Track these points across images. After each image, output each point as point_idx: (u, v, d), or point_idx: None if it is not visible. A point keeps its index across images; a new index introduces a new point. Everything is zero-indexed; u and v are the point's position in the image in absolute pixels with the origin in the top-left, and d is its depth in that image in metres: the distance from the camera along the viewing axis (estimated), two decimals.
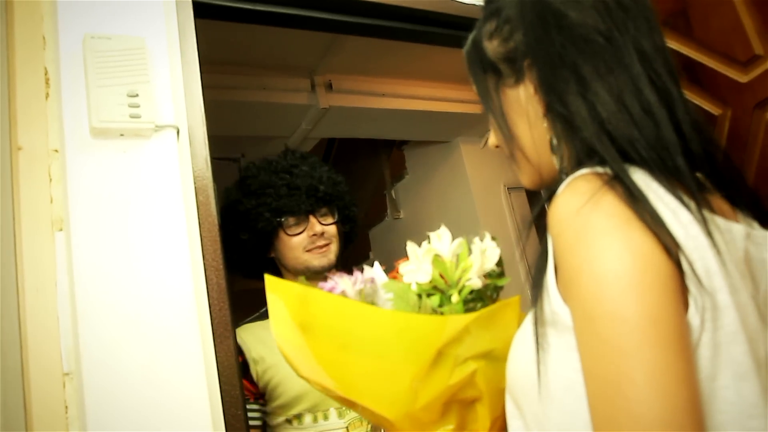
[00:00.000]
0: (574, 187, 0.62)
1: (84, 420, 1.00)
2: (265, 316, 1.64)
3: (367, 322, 0.81)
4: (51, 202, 1.10)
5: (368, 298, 0.86)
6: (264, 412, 1.55)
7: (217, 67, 2.35)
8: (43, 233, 1.09)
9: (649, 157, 0.64)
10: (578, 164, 0.66)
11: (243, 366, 1.49)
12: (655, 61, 0.69)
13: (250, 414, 1.47)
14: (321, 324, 0.84)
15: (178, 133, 1.15)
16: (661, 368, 0.52)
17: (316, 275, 1.54)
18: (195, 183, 1.18)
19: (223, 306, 1.15)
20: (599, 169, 0.63)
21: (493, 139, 0.83)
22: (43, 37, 1.18)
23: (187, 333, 1.09)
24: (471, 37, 0.81)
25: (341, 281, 0.86)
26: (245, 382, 1.48)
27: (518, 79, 0.75)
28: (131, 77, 1.08)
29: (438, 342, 0.77)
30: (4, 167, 1.11)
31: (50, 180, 1.11)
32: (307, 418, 1.51)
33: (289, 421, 1.52)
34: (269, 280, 0.87)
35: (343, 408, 1.50)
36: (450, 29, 1.66)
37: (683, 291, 0.57)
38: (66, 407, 1.03)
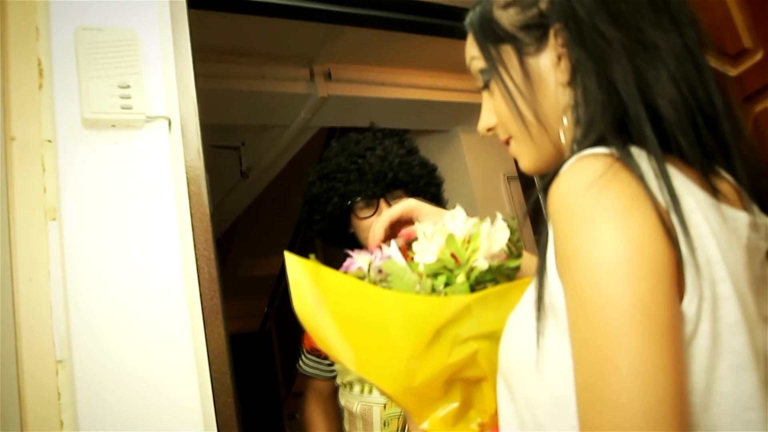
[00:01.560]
0: (581, 166, 0.60)
1: (75, 406, 1.02)
2: None
3: (366, 300, 0.83)
4: (44, 191, 1.11)
5: (384, 275, 0.87)
6: (334, 370, 1.69)
7: (216, 56, 2.36)
8: (36, 223, 1.10)
9: (688, 136, 0.63)
10: (597, 142, 0.63)
11: None
12: (703, 32, 0.68)
13: (325, 369, 1.68)
14: (329, 300, 0.86)
15: (169, 124, 1.16)
16: (646, 358, 0.51)
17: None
18: (187, 173, 1.19)
19: (214, 295, 1.17)
20: (608, 150, 0.61)
21: (487, 120, 0.80)
22: (37, 28, 1.18)
23: (177, 321, 1.10)
24: (476, 11, 0.78)
25: (359, 258, 0.87)
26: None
27: (539, 48, 0.72)
28: (123, 68, 1.09)
29: (435, 322, 0.78)
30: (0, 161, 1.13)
31: (43, 170, 1.12)
32: (356, 388, 1.60)
33: (344, 386, 1.63)
34: (287, 256, 0.89)
35: None
36: (447, 20, 1.66)
37: (681, 279, 0.56)
38: (59, 394, 1.04)
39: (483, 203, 2.94)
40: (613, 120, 0.64)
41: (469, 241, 0.82)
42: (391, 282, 0.83)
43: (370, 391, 1.56)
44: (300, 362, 1.75)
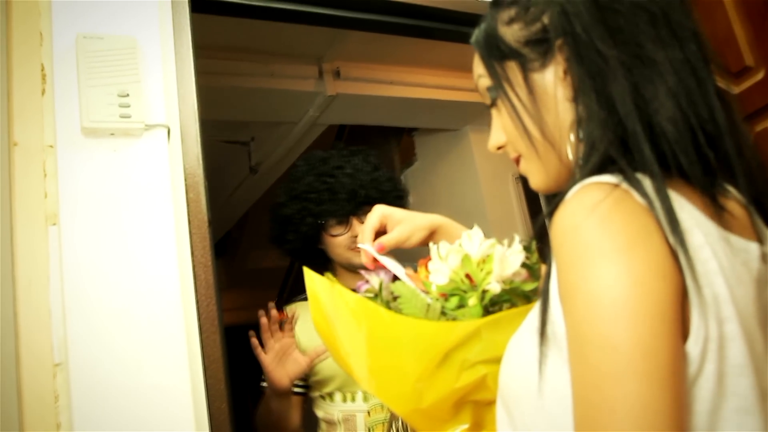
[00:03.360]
0: (583, 196, 0.59)
1: (71, 409, 1.04)
2: None
3: (376, 322, 0.84)
4: (45, 197, 1.13)
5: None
6: (307, 386, 1.67)
7: (225, 54, 2.37)
8: (37, 227, 1.12)
9: (688, 154, 0.62)
10: (598, 167, 0.62)
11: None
12: (707, 46, 0.66)
13: (296, 387, 1.63)
14: (342, 317, 0.88)
15: (168, 132, 1.17)
16: (643, 402, 0.50)
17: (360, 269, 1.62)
18: (186, 180, 1.20)
19: (211, 302, 1.18)
20: (614, 179, 0.59)
21: (497, 138, 0.79)
22: (41, 33, 1.20)
23: (173, 327, 1.12)
24: (481, 28, 0.77)
25: (373, 279, 0.89)
26: None
27: (544, 64, 0.71)
28: (122, 77, 1.10)
29: (443, 346, 0.78)
30: (2, 162, 1.14)
31: (45, 175, 1.14)
32: (337, 397, 1.62)
33: (322, 397, 1.64)
34: (307, 272, 0.93)
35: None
36: (454, 25, 1.65)
37: (685, 319, 0.55)
38: (56, 397, 1.06)
39: (491, 203, 2.93)
40: (614, 140, 0.63)
41: (484, 262, 0.82)
42: (401, 304, 0.84)
43: (353, 399, 1.59)
44: (263, 382, 1.67)
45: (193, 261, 1.18)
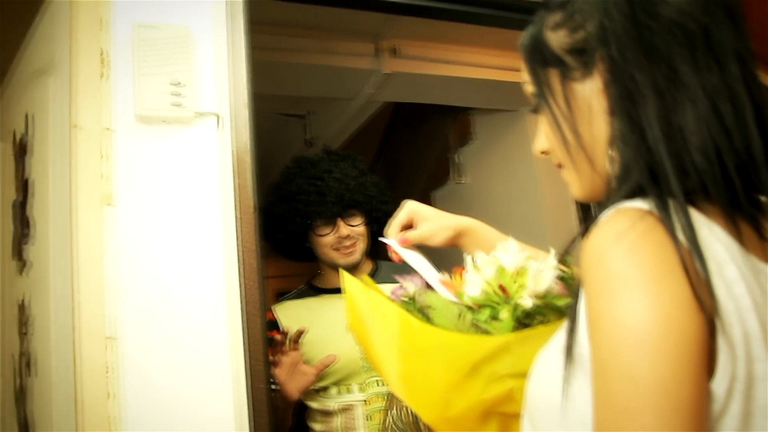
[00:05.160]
0: (614, 223, 0.58)
1: (119, 381, 1.11)
2: (300, 294, 1.81)
3: (407, 331, 0.86)
4: (102, 178, 1.18)
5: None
6: None
7: (283, 30, 2.38)
8: (94, 207, 1.17)
9: (717, 184, 0.59)
10: (632, 191, 0.61)
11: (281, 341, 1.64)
12: (752, 65, 0.63)
13: None
14: (375, 322, 0.91)
15: (218, 119, 1.20)
16: None
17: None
18: (234, 167, 1.23)
19: (255, 287, 1.22)
20: (646, 206, 0.58)
21: (541, 143, 0.78)
22: (101, 19, 1.24)
23: (217, 309, 1.17)
24: (529, 31, 0.76)
25: (408, 285, 0.91)
26: None
27: (586, 73, 0.69)
28: (175, 66, 1.13)
29: (472, 359, 0.80)
30: (63, 144, 1.20)
31: (102, 157, 1.19)
32: (333, 390, 1.67)
33: (317, 391, 1.68)
34: (344, 275, 0.97)
35: (365, 383, 1.63)
36: (505, 11, 1.62)
37: (712, 355, 0.53)
38: (107, 368, 1.13)
39: (547, 186, 2.88)
40: (645, 167, 0.61)
41: (518, 275, 0.82)
42: (433, 314, 0.85)
43: (349, 391, 1.65)
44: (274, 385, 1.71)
45: (238, 246, 1.22)
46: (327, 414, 1.67)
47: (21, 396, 1.44)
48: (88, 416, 1.09)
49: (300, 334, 1.58)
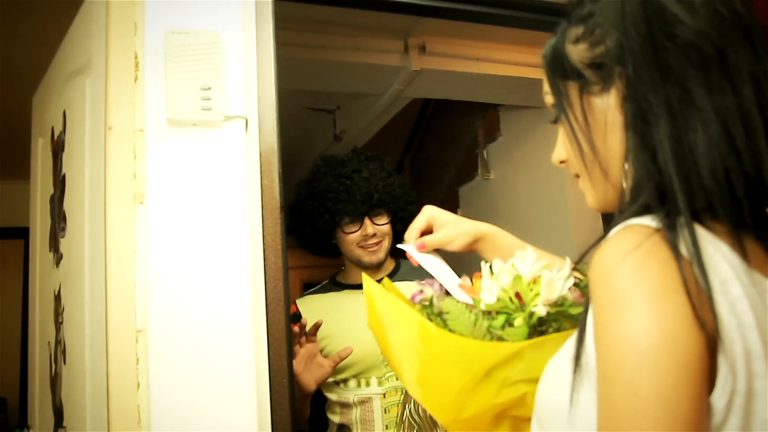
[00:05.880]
0: (621, 239, 0.60)
1: (148, 372, 1.16)
2: (323, 289, 1.87)
3: (423, 336, 0.88)
4: (134, 177, 1.23)
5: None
6: None
7: (312, 26, 2.42)
8: (126, 205, 1.23)
9: (725, 206, 0.61)
10: (642, 208, 0.63)
11: (302, 334, 1.69)
12: (766, 87, 0.64)
13: None
14: (394, 325, 0.94)
15: (246, 123, 1.24)
16: None
17: (367, 268, 1.77)
18: (261, 168, 1.27)
19: (278, 284, 1.26)
20: (654, 223, 0.60)
21: (559, 153, 0.80)
22: (135, 23, 1.28)
23: (241, 305, 1.21)
24: (551, 42, 0.77)
25: (427, 289, 0.94)
26: None
27: (604, 88, 0.70)
28: (205, 71, 1.17)
29: (486, 364, 0.82)
30: (98, 144, 1.26)
31: (134, 157, 1.24)
32: (352, 383, 1.73)
33: (336, 383, 1.75)
34: (365, 278, 1.00)
35: (384, 377, 1.69)
36: (531, 13, 1.63)
37: (713, 370, 0.55)
38: (137, 359, 1.18)
39: (571, 180, 2.85)
40: (655, 188, 0.63)
41: (534, 282, 0.84)
42: (449, 320, 0.88)
43: (368, 384, 1.70)
44: None
45: (264, 244, 1.26)
46: (345, 406, 1.73)
47: (55, 382, 1.51)
48: (117, 405, 1.15)
49: (317, 326, 1.63)
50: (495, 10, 1.62)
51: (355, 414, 1.70)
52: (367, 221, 1.78)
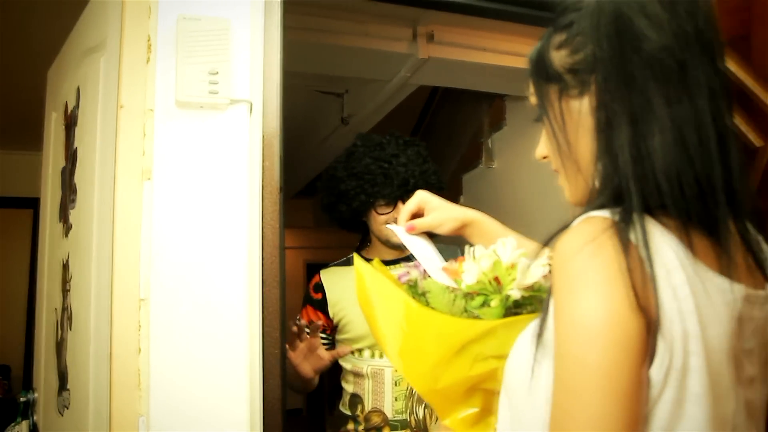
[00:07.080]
0: (582, 229, 0.67)
1: (149, 337, 1.23)
2: (347, 262, 1.96)
3: (406, 312, 0.95)
4: (143, 154, 1.30)
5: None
6: (333, 342, 1.89)
7: (323, 11, 2.46)
8: (134, 181, 1.29)
9: (678, 207, 0.68)
10: (603, 203, 0.70)
11: (323, 302, 1.86)
12: (720, 99, 0.71)
13: (322, 341, 1.82)
14: (381, 302, 1.02)
15: (251, 106, 1.30)
16: (602, 414, 0.60)
17: (394, 247, 1.87)
18: (263, 150, 1.34)
19: (274, 260, 1.33)
20: (609, 215, 0.67)
21: (542, 149, 0.86)
22: (149, 8, 1.34)
23: (238, 277, 1.28)
24: (537, 47, 0.82)
25: (413, 271, 1.01)
26: (322, 316, 1.85)
27: (581, 92, 0.76)
28: (214, 56, 1.23)
29: (461, 340, 0.89)
30: (110, 122, 1.32)
31: (144, 135, 1.31)
32: (366, 353, 1.84)
33: (351, 353, 1.86)
34: (356, 258, 1.07)
35: None
36: (529, 9, 1.67)
37: (654, 347, 0.63)
38: (139, 326, 1.26)
39: None
40: (617, 184, 0.69)
41: (512, 268, 0.91)
42: (429, 298, 0.95)
43: (381, 356, 1.80)
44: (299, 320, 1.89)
45: (262, 222, 1.32)
46: (358, 375, 1.83)
47: (60, 347, 1.58)
48: (119, 368, 1.23)
49: (318, 328, 1.70)
50: (500, 6, 1.66)
51: (367, 384, 1.81)
52: (400, 204, 1.84)
